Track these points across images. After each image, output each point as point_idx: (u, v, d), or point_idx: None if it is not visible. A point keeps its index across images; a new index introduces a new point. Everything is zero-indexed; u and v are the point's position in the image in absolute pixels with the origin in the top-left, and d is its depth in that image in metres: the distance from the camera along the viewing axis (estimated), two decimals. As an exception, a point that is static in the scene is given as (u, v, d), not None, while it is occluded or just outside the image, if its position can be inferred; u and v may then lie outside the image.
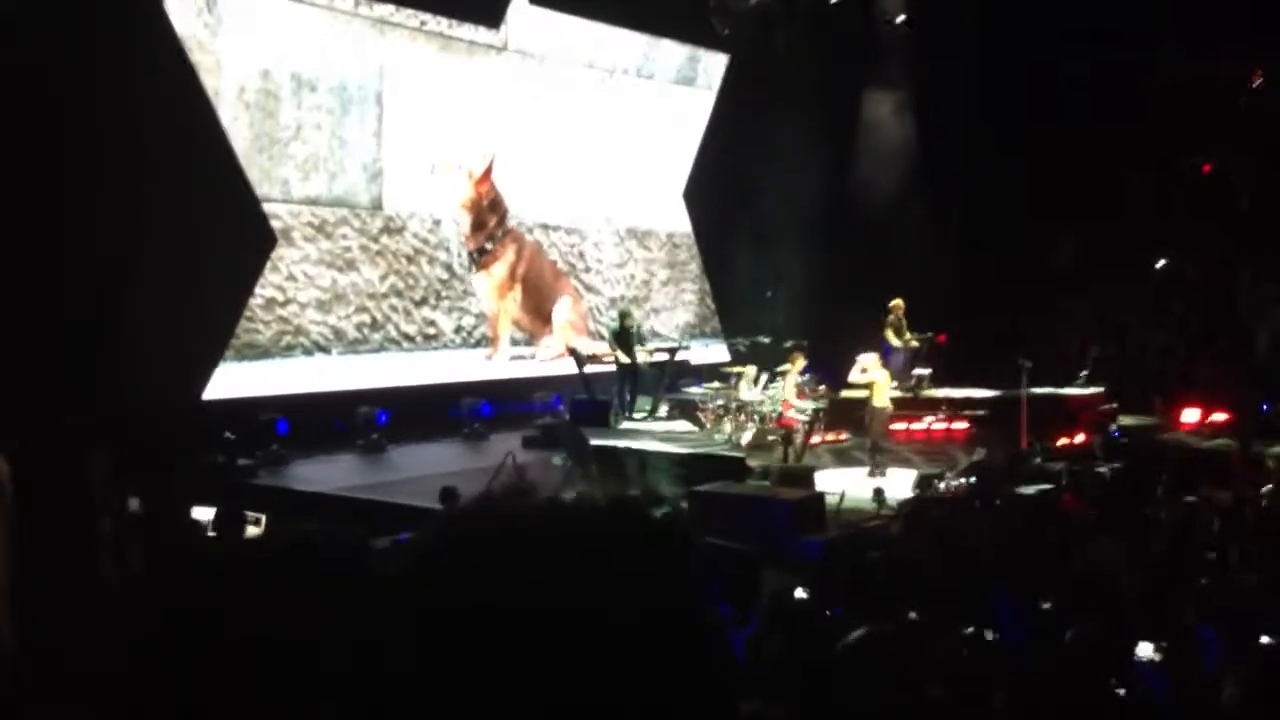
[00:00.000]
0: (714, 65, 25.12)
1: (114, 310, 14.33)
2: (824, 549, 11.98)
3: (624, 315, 19.33)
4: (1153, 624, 6.88)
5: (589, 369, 19.27)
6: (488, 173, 20.48)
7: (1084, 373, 21.59)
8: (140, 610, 1.26)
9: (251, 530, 10.70)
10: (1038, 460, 15.73)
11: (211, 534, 10.47)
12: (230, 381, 16.51)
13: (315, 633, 1.21)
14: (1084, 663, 5.64)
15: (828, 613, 7.54)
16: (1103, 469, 14.98)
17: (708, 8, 23.07)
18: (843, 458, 17.81)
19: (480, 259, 20.61)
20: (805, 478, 14.70)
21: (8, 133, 12.93)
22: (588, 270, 23.06)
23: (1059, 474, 14.35)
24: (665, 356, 20.03)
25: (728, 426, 18.15)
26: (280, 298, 17.50)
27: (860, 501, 14.09)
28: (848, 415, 18.80)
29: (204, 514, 11.13)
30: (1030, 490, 13.15)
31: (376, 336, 18.91)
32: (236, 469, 15.25)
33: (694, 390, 20.20)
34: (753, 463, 15.59)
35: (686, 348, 21.59)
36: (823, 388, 18.83)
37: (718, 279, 25.30)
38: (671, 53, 24.41)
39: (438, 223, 19.98)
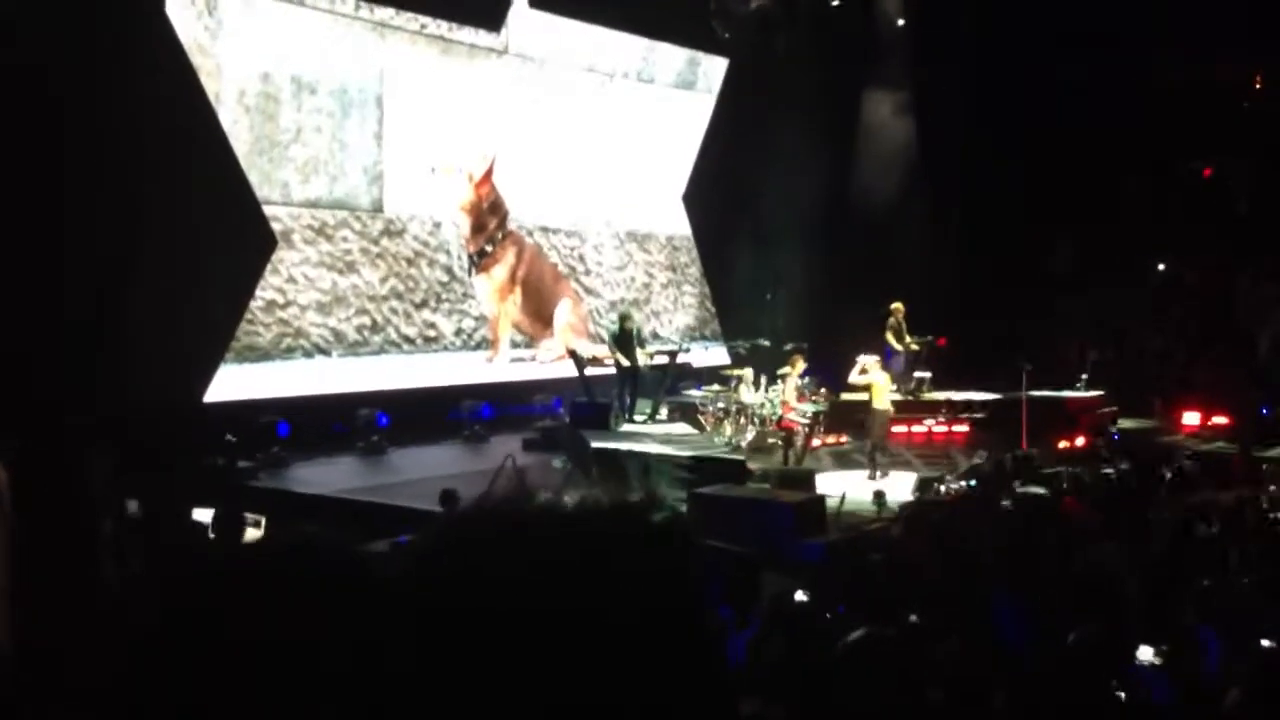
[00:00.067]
0: (714, 69, 25.14)
1: (114, 312, 14.33)
2: (824, 551, 11.97)
3: (624, 318, 19.33)
4: (1153, 626, 6.88)
5: (589, 371, 19.27)
6: (488, 175, 20.48)
7: (1083, 376, 21.60)
8: (140, 611, 1.26)
9: (251, 533, 10.71)
10: (1036, 464, 15.73)
11: (211, 536, 10.47)
12: (231, 384, 16.51)
13: (315, 635, 1.21)
14: (1084, 665, 5.64)
15: (828, 615, 7.53)
16: (1105, 471, 14.96)
17: (708, 11, 23.10)
18: (843, 460, 17.82)
19: (480, 261, 20.62)
20: (805, 480, 14.70)
21: (8, 133, 12.93)
22: (588, 273, 23.06)
23: (1059, 477, 14.35)
24: (665, 359, 20.02)
25: (728, 429, 18.15)
26: (280, 300, 17.50)
27: (861, 504, 14.09)
28: (848, 418, 18.81)
29: (204, 516, 11.15)
30: (1030, 492, 13.15)
31: (377, 339, 18.92)
32: (237, 471, 15.25)
33: (694, 393, 20.19)
34: (753, 465, 15.59)
35: (687, 350, 21.58)
36: (823, 390, 18.82)
37: (718, 282, 25.32)
38: (671, 56, 24.43)
39: (438, 225, 19.99)
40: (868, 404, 16.95)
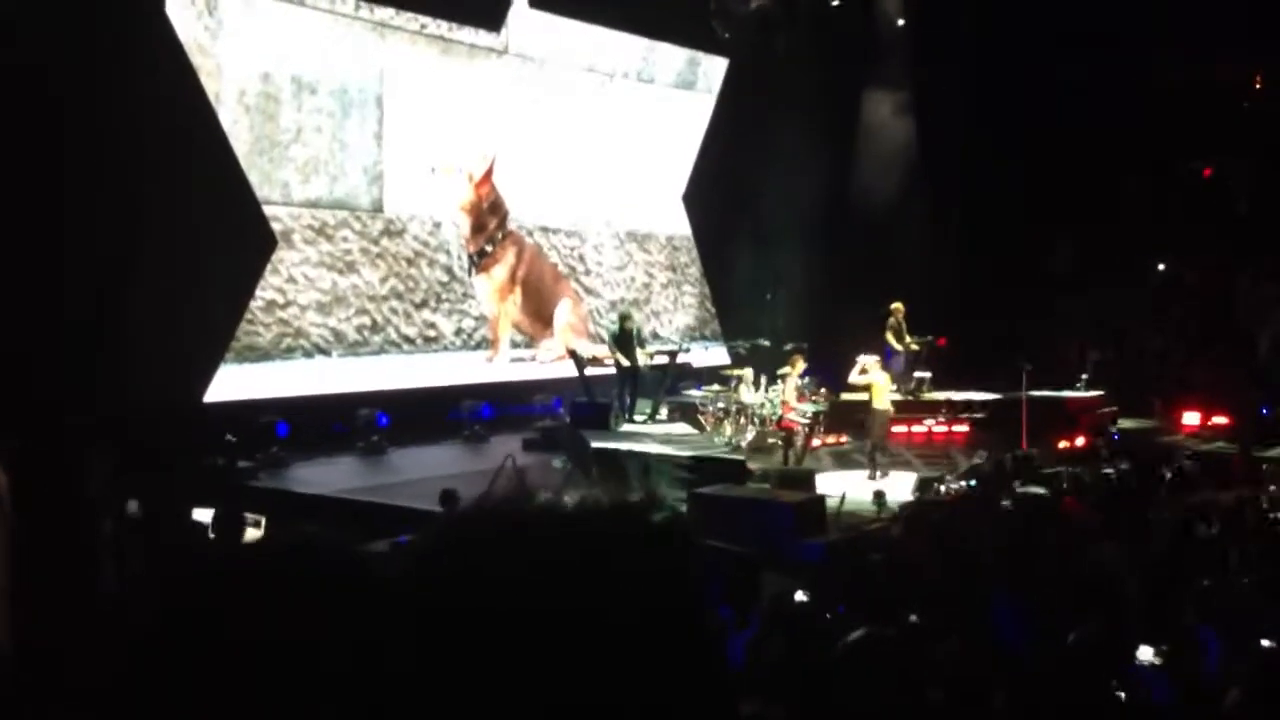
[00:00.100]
0: (714, 69, 25.14)
1: (114, 312, 14.33)
2: (824, 551, 11.97)
3: (624, 318, 19.32)
4: (1153, 626, 6.88)
5: (589, 372, 19.26)
6: (488, 175, 20.48)
7: (1083, 376, 21.60)
8: (140, 611, 1.26)
9: (251, 533, 10.71)
10: (1036, 465, 15.73)
11: (211, 536, 10.48)
12: (230, 384, 16.51)
13: (316, 635, 1.21)
14: (1084, 665, 5.64)
15: (828, 615, 7.53)
16: (1105, 471, 14.96)
17: (708, 11, 23.10)
18: (843, 460, 17.81)
19: (480, 261, 20.62)
20: (805, 480, 14.70)
21: (8, 133, 12.93)
22: (588, 273, 23.07)
23: (1059, 477, 14.34)
24: (665, 359, 20.02)
25: (728, 429, 18.15)
26: (280, 300, 17.50)
27: (861, 504, 14.09)
28: (848, 418, 18.81)
29: (204, 516, 11.15)
30: (1030, 492, 13.14)
31: (377, 339, 18.91)
32: (237, 471, 15.25)
33: (694, 393, 20.19)
34: (753, 465, 15.58)
35: (687, 350, 21.59)
36: (823, 391, 18.82)
37: (718, 282, 25.32)
38: (671, 56, 24.43)
39: (438, 225, 19.99)
40: (868, 404, 16.95)
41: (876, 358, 17.41)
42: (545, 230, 22.08)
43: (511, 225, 21.12)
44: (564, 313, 22.02)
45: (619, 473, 14.98)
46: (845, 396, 18.91)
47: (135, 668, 1.22)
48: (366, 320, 18.76)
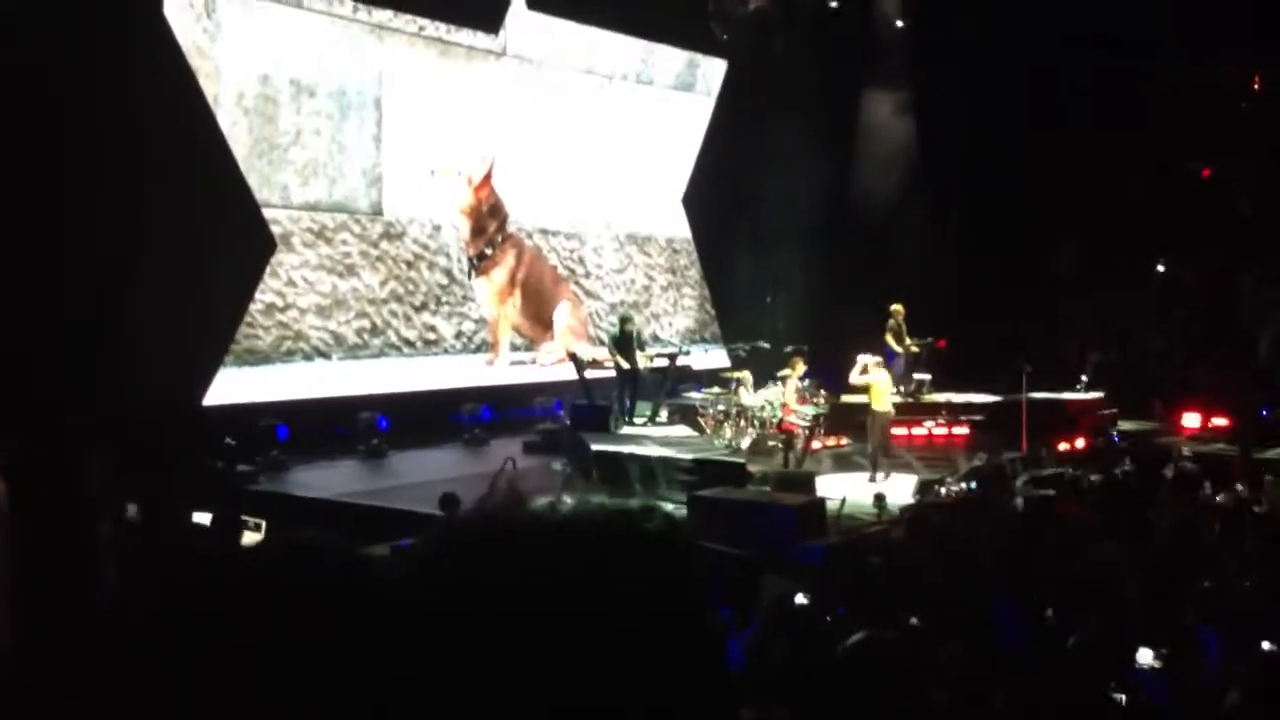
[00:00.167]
0: (713, 70, 25.16)
1: (114, 315, 14.34)
2: (825, 554, 11.96)
3: (624, 320, 19.33)
4: (1154, 627, 6.87)
5: (589, 374, 19.27)
6: (487, 178, 20.49)
7: (1084, 378, 21.59)
8: (142, 613, 1.26)
9: (249, 536, 10.70)
10: (1036, 467, 15.73)
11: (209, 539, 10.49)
12: (230, 387, 16.52)
13: (319, 636, 1.21)
14: (1085, 667, 5.64)
15: (828, 618, 7.53)
16: (1105, 472, 14.95)
17: (706, 13, 23.11)
18: (843, 463, 17.79)
19: (480, 264, 20.62)
20: (805, 483, 14.68)
21: (8, 135, 12.94)
22: (587, 275, 23.07)
23: (1060, 478, 14.33)
24: (665, 362, 20.03)
25: (728, 432, 18.13)
26: (280, 303, 17.50)
27: (861, 507, 14.07)
28: (848, 420, 18.77)
29: (203, 519, 11.14)
30: (1031, 493, 13.14)
31: (376, 342, 18.92)
32: (236, 474, 15.24)
33: (694, 395, 20.18)
34: (753, 468, 15.57)
35: (686, 353, 21.62)
36: (823, 393, 18.80)
37: (717, 284, 25.33)
38: (670, 58, 24.45)
39: (437, 228, 19.99)
40: (868, 406, 16.92)
41: (878, 357, 17.38)
42: (545, 233, 22.09)
43: (511, 228, 21.13)
44: (564, 315, 22.03)
45: (619, 475, 14.99)
46: (845, 399, 18.89)
47: (137, 669, 1.22)
48: (366, 323, 18.76)
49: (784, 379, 17.77)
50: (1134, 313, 23.53)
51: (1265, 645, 6.19)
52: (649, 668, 1.06)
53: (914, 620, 7.14)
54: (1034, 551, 9.57)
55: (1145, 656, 6.34)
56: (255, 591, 1.24)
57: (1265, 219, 22.75)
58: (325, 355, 18.11)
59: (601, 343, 21.16)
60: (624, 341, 18.76)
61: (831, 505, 13.63)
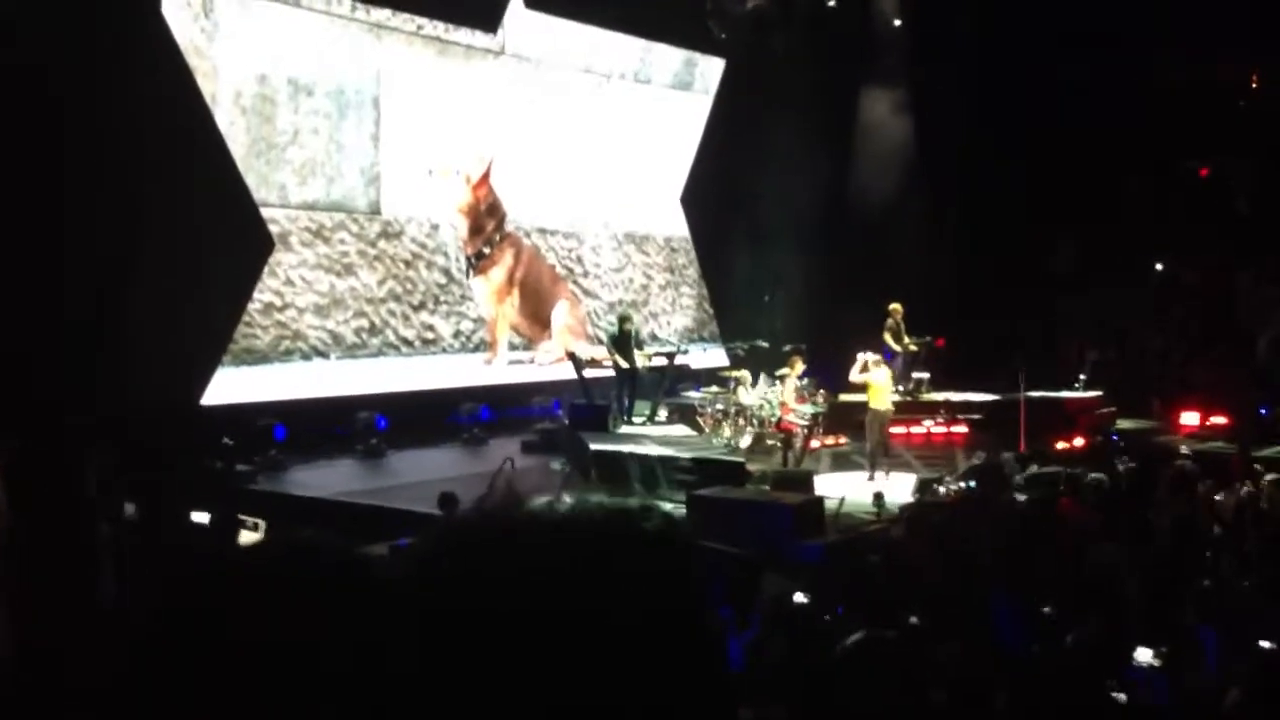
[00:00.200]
0: (711, 69, 25.16)
1: (112, 314, 14.33)
2: (823, 553, 11.97)
3: (623, 319, 19.33)
4: (1153, 626, 6.88)
5: (588, 373, 19.26)
6: (485, 177, 20.49)
7: (1082, 376, 21.60)
8: (142, 612, 1.26)
9: (247, 535, 10.70)
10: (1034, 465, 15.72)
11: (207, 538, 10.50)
12: (228, 386, 16.51)
13: (317, 636, 1.21)
14: (1084, 666, 5.64)
15: (827, 617, 7.54)
16: (1104, 471, 14.95)
17: (704, 12, 23.11)
18: (842, 461, 17.80)
19: (478, 263, 20.62)
20: (804, 482, 14.69)
21: (7, 135, 12.93)
22: (586, 275, 23.07)
23: (1058, 477, 14.32)
24: (664, 361, 20.03)
25: (727, 431, 18.14)
26: (278, 303, 17.49)
27: (860, 505, 14.08)
28: (847, 419, 18.79)
29: (201, 519, 11.15)
30: (1029, 493, 13.14)
31: (375, 341, 18.91)
32: (235, 474, 15.24)
33: (693, 394, 20.20)
34: (752, 467, 15.57)
35: (685, 352, 21.60)
36: (821, 392, 18.81)
37: (716, 283, 25.33)
38: (668, 57, 24.44)
39: (435, 227, 19.99)
40: (867, 404, 16.93)
41: (878, 356, 17.39)
42: (543, 232, 22.09)
43: (509, 227, 21.13)
44: (562, 314, 22.03)
45: (618, 475, 14.99)
46: (844, 397, 18.91)
47: (136, 669, 1.22)
48: (364, 322, 18.76)
49: (782, 378, 17.78)
50: (1132, 311, 23.53)
51: (1264, 644, 6.20)
52: (648, 667, 1.06)
53: (913, 619, 7.15)
54: (1033, 550, 9.57)
55: (1144, 655, 6.34)
56: (254, 591, 1.24)
57: (1263, 218, 22.76)
58: (323, 355, 18.10)
59: (600, 342, 21.16)
60: (622, 340, 18.76)
61: (830, 504, 13.64)
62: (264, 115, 17.35)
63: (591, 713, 1.04)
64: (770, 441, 17.61)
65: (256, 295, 17.12)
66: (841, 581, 9.25)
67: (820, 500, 13.61)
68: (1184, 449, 17.30)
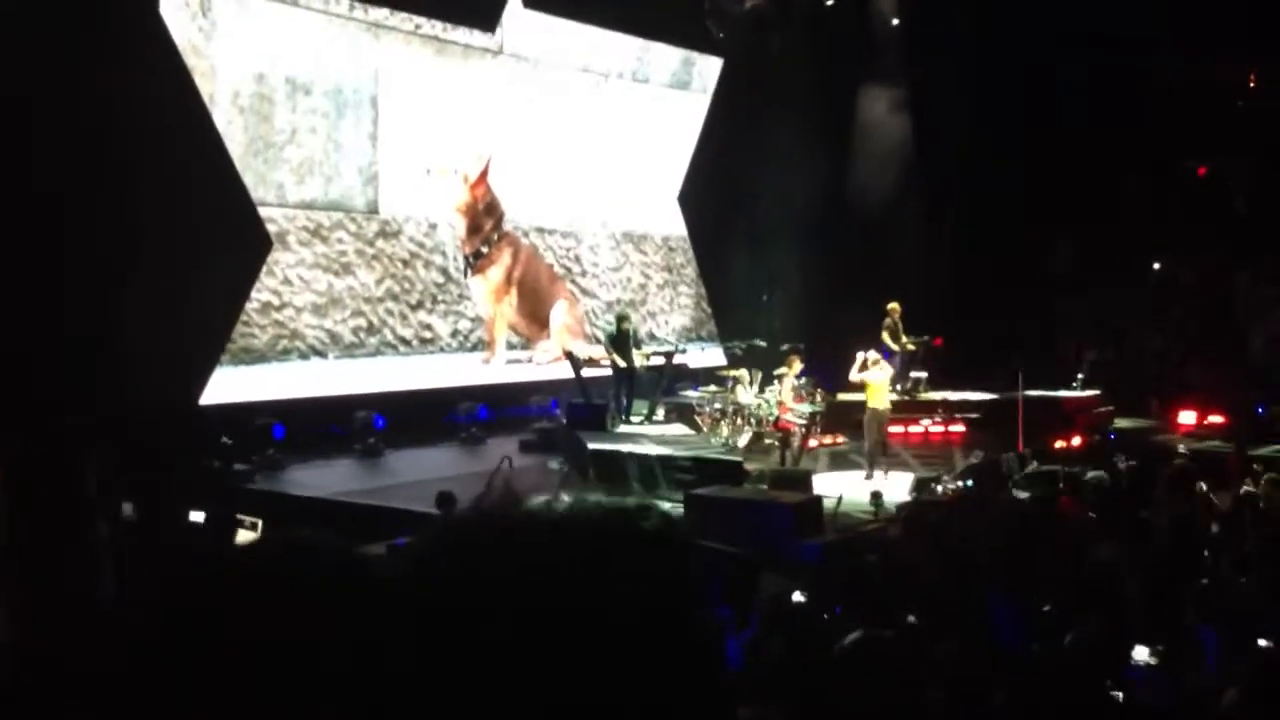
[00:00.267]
0: (709, 69, 25.16)
1: (111, 314, 14.31)
2: (822, 552, 11.97)
3: (621, 318, 19.33)
4: (1153, 626, 6.88)
5: (586, 373, 19.26)
6: (483, 176, 20.49)
7: (1079, 376, 21.61)
8: (141, 612, 1.26)
9: (243, 535, 10.70)
10: (1031, 465, 15.73)
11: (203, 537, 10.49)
12: (226, 386, 16.50)
13: (316, 635, 1.21)
14: (1083, 665, 5.64)
15: (825, 616, 7.54)
16: (1099, 473, 14.95)
17: (702, 11, 23.11)
18: (840, 461, 17.80)
19: (476, 263, 20.62)
20: (802, 481, 14.69)
21: (5, 135, 12.92)
22: (584, 274, 23.07)
23: (1057, 476, 14.33)
24: (662, 360, 20.04)
25: (725, 430, 18.15)
26: (276, 302, 17.49)
27: (858, 505, 14.08)
28: (845, 418, 18.79)
29: (199, 518, 11.14)
30: (1027, 492, 13.15)
31: (373, 340, 18.90)
32: (233, 473, 15.24)
33: (691, 394, 20.20)
34: (750, 466, 15.58)
35: (683, 351, 21.61)
36: (819, 391, 18.82)
37: (714, 282, 25.33)
38: (666, 56, 24.44)
39: (434, 226, 19.98)
40: (865, 403, 16.93)
41: (878, 355, 17.38)
42: (541, 231, 22.08)
43: (507, 226, 21.13)
44: (560, 314, 22.03)
45: (616, 474, 14.99)
46: (842, 397, 18.92)
47: (136, 668, 1.22)
48: (362, 322, 18.75)
49: (780, 377, 17.79)
50: (1130, 311, 23.54)
51: (1262, 643, 6.20)
52: (646, 666, 1.06)
53: (911, 618, 7.15)
54: (1031, 549, 9.57)
55: (1141, 654, 6.34)
56: (252, 590, 1.24)
57: (1261, 217, 22.77)
58: (321, 354, 18.09)
59: (598, 341, 21.16)
60: (620, 340, 18.76)
61: (828, 503, 13.64)
62: (262, 114, 17.35)
63: (589, 712, 1.04)
64: (768, 441, 17.62)
65: (254, 294, 17.11)
66: (839, 581, 9.25)
67: (818, 499, 13.61)
68: (1181, 448, 17.33)
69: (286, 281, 17.65)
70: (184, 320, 15.37)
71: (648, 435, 17.41)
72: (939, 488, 14.51)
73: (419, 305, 19.73)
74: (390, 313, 19.22)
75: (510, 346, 21.27)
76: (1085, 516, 11.31)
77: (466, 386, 19.79)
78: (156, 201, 14.86)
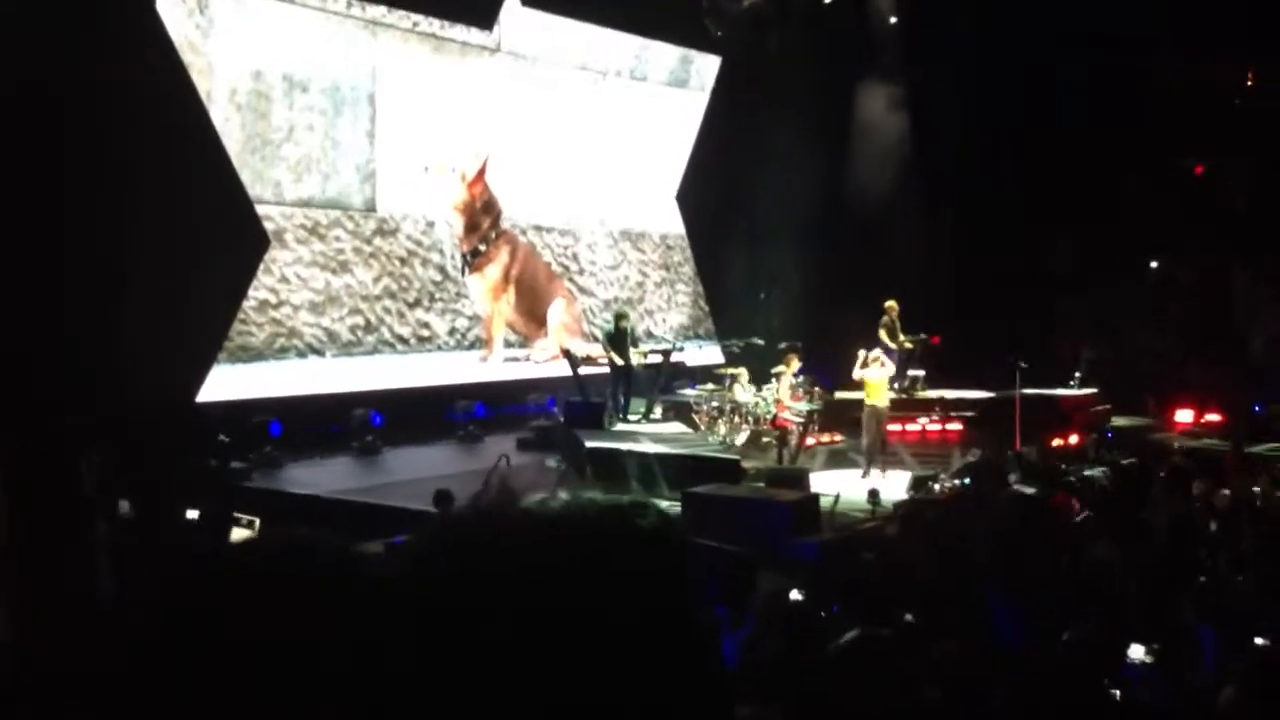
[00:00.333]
0: (707, 67, 25.15)
1: (109, 313, 14.29)
2: (819, 551, 11.98)
3: (619, 317, 19.33)
4: (1151, 624, 6.88)
5: (583, 371, 19.26)
6: (481, 174, 20.48)
7: (1077, 374, 21.62)
8: (140, 611, 1.26)
9: (240, 533, 10.70)
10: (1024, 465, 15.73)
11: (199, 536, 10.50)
12: (224, 384, 16.49)
13: (315, 635, 1.21)
14: (1081, 664, 5.64)
15: (822, 614, 7.53)
16: (1098, 470, 14.97)
17: (701, 9, 23.10)
18: (837, 459, 17.81)
19: (474, 261, 20.61)
20: (800, 479, 14.70)
21: (3, 135, 12.91)
22: (581, 272, 23.06)
23: (1055, 475, 14.34)
24: (659, 358, 20.04)
25: (722, 428, 18.16)
26: (273, 300, 17.48)
27: (855, 503, 14.08)
28: (842, 416, 18.81)
29: (195, 516, 11.14)
30: (1025, 490, 13.15)
31: (370, 339, 18.89)
32: (230, 472, 15.22)
33: (688, 392, 20.21)
34: (747, 464, 15.59)
35: (681, 349, 21.60)
36: (817, 389, 18.83)
37: (711, 280, 25.33)
38: (664, 54, 24.43)
39: (431, 224, 19.97)
40: (864, 401, 16.94)
41: (879, 353, 17.39)
42: (539, 229, 22.08)
43: (505, 224, 21.12)
44: (558, 312, 22.02)
45: (614, 472, 14.99)
46: (839, 395, 18.93)
47: (135, 668, 1.22)
48: (360, 320, 18.74)
49: (778, 375, 17.80)
50: (1129, 310, 23.55)
51: (1259, 641, 6.20)
52: (643, 665, 1.06)
53: (908, 617, 7.15)
54: (1029, 547, 9.57)
55: (1137, 652, 6.34)
56: (250, 589, 1.24)
57: (1260, 217, 22.79)
58: (319, 352, 18.09)
59: (596, 339, 21.16)
60: (618, 338, 18.76)
61: (825, 501, 13.65)
62: (259, 112, 17.33)
63: (587, 710, 1.04)
64: (766, 439, 17.63)
65: (251, 292, 17.09)
66: (837, 579, 9.25)
67: (816, 498, 13.63)
68: (1178, 446, 17.35)
69: (284, 279, 17.64)
70: (181, 319, 15.35)
71: (645, 433, 17.41)
72: (936, 486, 14.52)
73: (416, 303, 19.72)
74: (388, 311, 19.21)
75: (508, 345, 21.26)
76: (1083, 515, 11.32)
77: (464, 384, 19.78)
78: (154, 199, 14.84)
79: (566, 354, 19.74)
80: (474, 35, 20.64)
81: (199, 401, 16.15)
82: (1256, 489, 12.95)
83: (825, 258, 23.30)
